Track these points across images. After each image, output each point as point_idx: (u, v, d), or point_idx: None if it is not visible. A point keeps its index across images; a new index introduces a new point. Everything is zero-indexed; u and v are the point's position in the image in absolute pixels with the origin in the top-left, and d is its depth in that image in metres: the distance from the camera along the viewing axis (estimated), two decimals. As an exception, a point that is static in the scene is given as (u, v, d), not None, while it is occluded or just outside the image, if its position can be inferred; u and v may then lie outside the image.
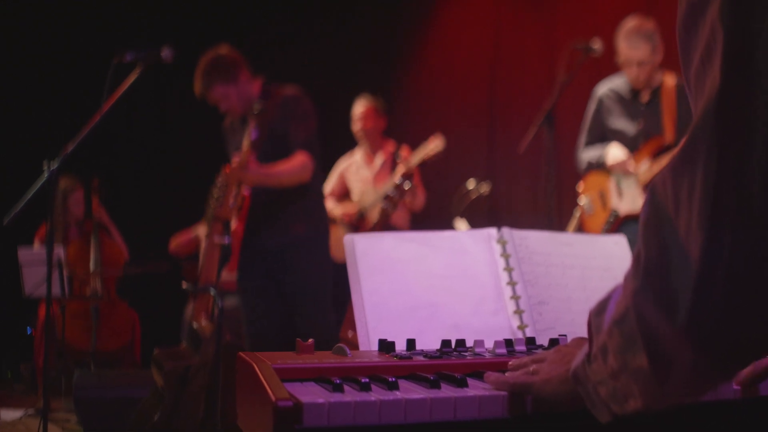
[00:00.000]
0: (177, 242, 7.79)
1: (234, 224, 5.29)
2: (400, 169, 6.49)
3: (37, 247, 7.75)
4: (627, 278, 1.20)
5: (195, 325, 4.66)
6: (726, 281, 1.03)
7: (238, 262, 5.41)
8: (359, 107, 7.28)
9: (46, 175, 4.68)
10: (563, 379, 1.37)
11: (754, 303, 1.05)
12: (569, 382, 1.35)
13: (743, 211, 1.02)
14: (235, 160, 5.18)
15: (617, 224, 5.45)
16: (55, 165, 4.69)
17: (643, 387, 1.20)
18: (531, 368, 1.45)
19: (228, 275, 6.07)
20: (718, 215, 1.03)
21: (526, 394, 1.41)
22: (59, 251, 6.72)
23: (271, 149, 5.31)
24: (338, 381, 1.36)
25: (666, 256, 1.09)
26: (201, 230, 7.64)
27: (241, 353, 1.54)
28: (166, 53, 4.98)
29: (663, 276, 1.09)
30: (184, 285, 5.20)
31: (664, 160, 5.11)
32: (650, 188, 1.14)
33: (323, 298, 5.45)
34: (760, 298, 1.04)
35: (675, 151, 1.10)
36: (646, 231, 1.13)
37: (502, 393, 1.39)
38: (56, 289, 6.39)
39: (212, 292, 4.61)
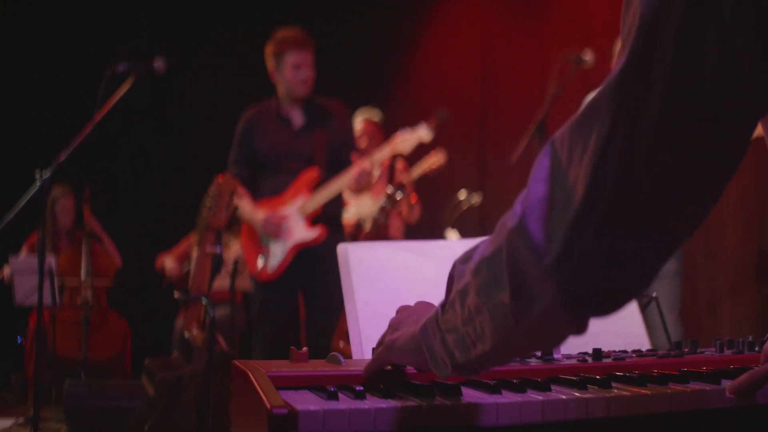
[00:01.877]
0: (160, 262, 7.81)
1: (317, 230, 5.30)
2: (404, 180, 6.49)
3: (25, 255, 7.75)
4: (504, 221, 1.25)
5: (186, 334, 4.66)
6: (597, 229, 1.12)
7: (288, 262, 5.34)
8: (358, 123, 7.26)
9: (38, 184, 4.68)
10: (409, 338, 1.45)
11: (616, 257, 1.14)
12: (416, 339, 1.42)
13: (624, 173, 1.11)
14: (362, 163, 5.30)
15: None
16: (47, 174, 4.69)
17: (498, 325, 1.25)
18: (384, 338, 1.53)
19: (220, 284, 6.05)
20: (601, 172, 1.11)
21: (383, 366, 1.52)
22: (50, 260, 6.71)
23: (332, 157, 5.46)
24: (333, 389, 1.37)
25: (550, 197, 1.16)
26: (168, 261, 7.65)
27: (235, 361, 1.54)
28: (158, 64, 4.99)
29: (542, 215, 1.16)
30: (176, 294, 5.20)
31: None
32: (551, 141, 1.20)
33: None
34: (622, 255, 1.14)
35: (579, 110, 1.18)
36: (536, 175, 1.20)
37: (504, 400, 1.40)
38: (47, 299, 6.38)
39: (204, 301, 4.61)
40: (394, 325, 1.54)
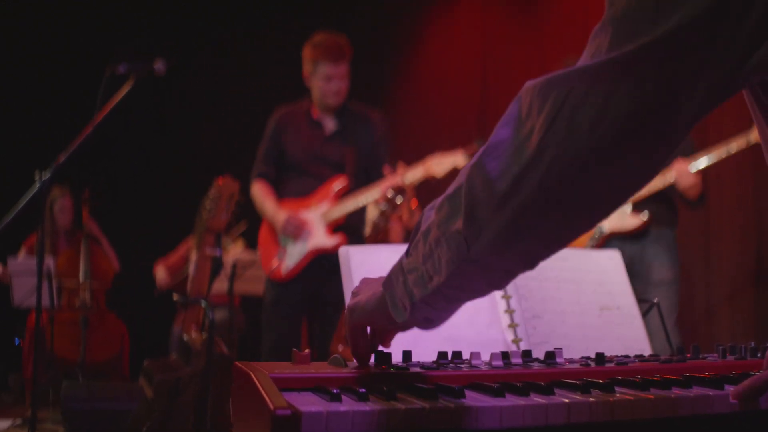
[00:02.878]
0: (156, 270, 7.80)
1: (337, 238, 5.23)
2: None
3: (23, 256, 7.75)
4: (466, 165, 1.36)
5: (185, 336, 4.65)
6: (542, 177, 1.24)
7: (303, 265, 5.30)
8: None
9: (38, 185, 4.67)
10: (371, 296, 1.55)
11: (555, 206, 1.27)
12: (377, 294, 1.52)
13: (568, 139, 1.22)
14: (394, 178, 5.24)
15: (602, 241, 5.45)
16: (47, 175, 4.69)
17: (452, 253, 1.35)
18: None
19: (219, 287, 6.04)
20: (549, 135, 1.24)
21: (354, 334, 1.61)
22: (49, 262, 6.71)
23: (362, 167, 5.43)
24: (336, 391, 1.36)
25: (510, 140, 1.28)
26: (159, 271, 7.66)
27: (237, 362, 1.54)
28: (159, 65, 4.98)
29: (500, 154, 1.28)
30: (175, 297, 5.19)
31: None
32: (520, 93, 1.32)
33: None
34: (561, 205, 1.27)
35: (550, 74, 1.29)
36: (503, 120, 1.32)
37: (507, 403, 1.40)
38: (45, 300, 6.38)
39: (203, 304, 4.60)
40: (355, 292, 1.63)
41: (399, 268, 1.47)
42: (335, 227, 5.30)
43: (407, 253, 1.47)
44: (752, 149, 4.97)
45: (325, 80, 5.37)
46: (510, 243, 1.31)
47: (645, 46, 1.17)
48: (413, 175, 5.29)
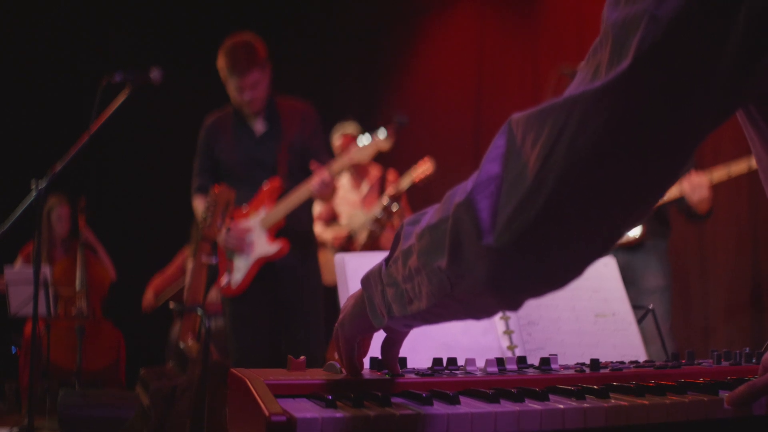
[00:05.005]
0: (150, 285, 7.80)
1: (279, 244, 5.13)
2: (390, 192, 6.37)
3: (20, 265, 7.75)
4: (452, 193, 1.30)
5: (182, 344, 4.65)
6: (539, 213, 1.15)
7: (251, 276, 5.17)
8: (336, 139, 7.19)
9: (34, 193, 4.67)
10: (353, 305, 1.55)
11: (549, 246, 1.19)
12: (361, 297, 1.51)
13: (569, 168, 1.14)
14: (322, 173, 5.04)
15: None
16: (43, 184, 4.68)
17: (434, 288, 1.32)
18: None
19: (216, 295, 6.03)
20: (548, 165, 1.15)
21: (349, 350, 1.57)
22: (45, 270, 6.70)
23: (296, 165, 5.26)
24: (331, 397, 1.37)
25: (502, 176, 1.21)
26: (148, 292, 7.66)
27: (232, 369, 1.54)
28: (155, 74, 4.97)
29: (491, 193, 1.21)
30: (171, 305, 5.18)
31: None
32: (508, 122, 1.27)
33: (322, 313, 5.33)
34: (554, 245, 1.19)
35: (544, 103, 1.22)
36: (490, 154, 1.25)
37: (502, 409, 1.40)
38: (42, 309, 6.37)
39: (199, 312, 4.59)
40: (343, 309, 1.61)
41: (378, 275, 1.46)
42: (276, 231, 5.16)
43: (387, 264, 1.45)
44: (750, 173, 4.95)
45: (237, 92, 5.20)
46: (495, 288, 1.24)
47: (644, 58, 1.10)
48: (340, 165, 5.15)
